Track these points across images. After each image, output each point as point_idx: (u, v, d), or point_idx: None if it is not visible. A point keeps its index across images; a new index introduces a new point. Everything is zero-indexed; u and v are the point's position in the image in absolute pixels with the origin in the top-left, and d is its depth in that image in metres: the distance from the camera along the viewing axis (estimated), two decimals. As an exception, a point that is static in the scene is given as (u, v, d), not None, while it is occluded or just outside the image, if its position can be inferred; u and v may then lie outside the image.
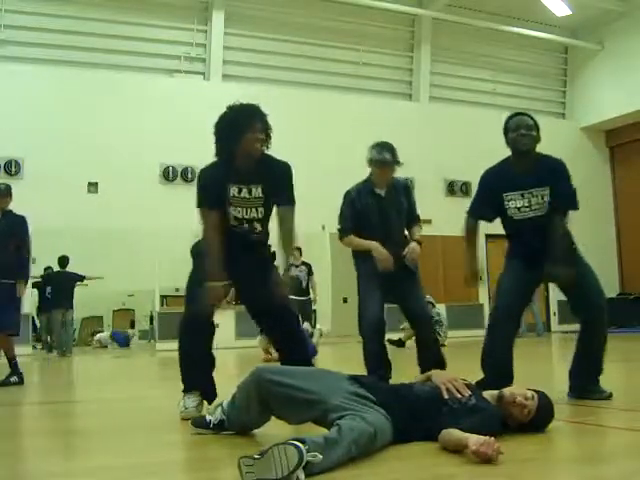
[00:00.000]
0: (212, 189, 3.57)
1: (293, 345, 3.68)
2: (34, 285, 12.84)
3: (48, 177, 12.04)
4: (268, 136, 3.61)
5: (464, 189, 15.39)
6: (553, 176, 3.68)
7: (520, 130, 3.67)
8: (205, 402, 3.64)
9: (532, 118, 3.79)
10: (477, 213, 3.94)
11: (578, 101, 17.38)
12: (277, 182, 3.58)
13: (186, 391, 3.62)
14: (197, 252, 3.72)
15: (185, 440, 3.11)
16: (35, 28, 12.88)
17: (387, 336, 7.94)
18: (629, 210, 16.98)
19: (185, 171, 13.44)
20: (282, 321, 3.64)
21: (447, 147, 15.02)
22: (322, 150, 13.72)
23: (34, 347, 12.98)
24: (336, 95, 14.87)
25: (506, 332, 3.76)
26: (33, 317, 13.01)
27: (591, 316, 3.76)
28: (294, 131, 12.58)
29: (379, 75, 15.68)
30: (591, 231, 16.37)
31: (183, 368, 3.66)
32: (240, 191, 3.54)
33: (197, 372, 3.64)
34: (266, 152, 3.62)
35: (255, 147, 3.53)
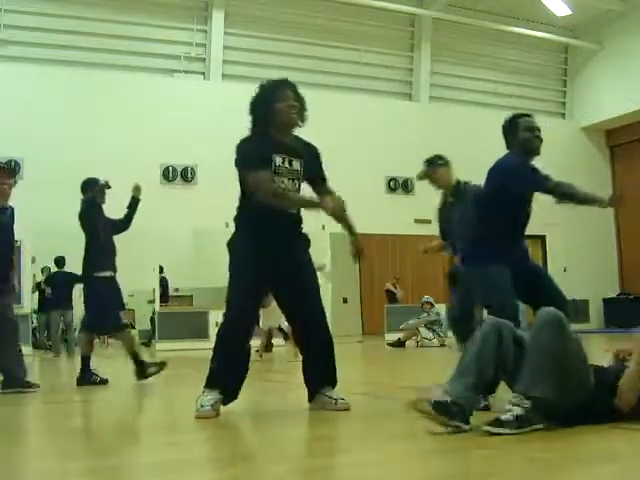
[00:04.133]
0: (256, 154, 3.52)
1: (321, 354, 3.66)
2: (36, 286, 12.85)
3: (48, 177, 12.04)
4: (302, 107, 3.63)
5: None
6: None
7: (535, 132, 3.68)
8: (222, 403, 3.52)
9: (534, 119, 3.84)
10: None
11: (578, 101, 17.39)
12: (312, 162, 3.66)
13: (206, 387, 3.52)
14: (232, 247, 3.66)
15: (186, 440, 3.11)
16: (35, 28, 12.89)
17: (386, 337, 7.98)
18: (629, 210, 16.95)
19: (185, 171, 13.44)
20: (316, 332, 3.64)
21: (447, 147, 14.98)
22: (322, 150, 13.72)
23: (34, 347, 12.97)
24: (336, 95, 14.87)
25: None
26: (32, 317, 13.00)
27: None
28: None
29: (379, 75, 15.68)
30: (591, 231, 16.41)
31: (213, 364, 3.56)
32: (284, 161, 3.55)
33: (225, 370, 3.54)
34: (298, 129, 3.67)
35: (290, 116, 3.55)
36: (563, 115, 17.44)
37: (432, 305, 11.45)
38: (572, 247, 15.91)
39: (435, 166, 4.77)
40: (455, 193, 4.69)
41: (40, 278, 12.61)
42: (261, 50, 14.50)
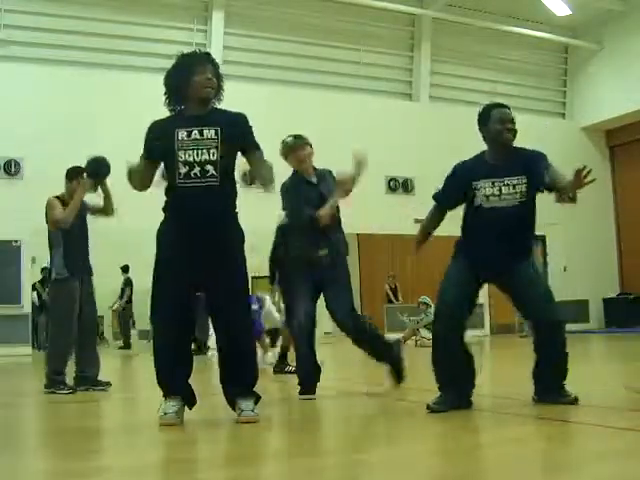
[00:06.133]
0: (156, 139, 3.47)
1: (239, 360, 3.42)
2: (34, 287, 12.85)
3: (48, 177, 11.98)
4: (220, 85, 3.51)
5: (464, 189, 15.40)
6: (530, 164, 3.53)
7: (507, 124, 3.57)
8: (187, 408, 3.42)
9: (511, 111, 3.68)
10: (446, 204, 3.87)
11: (578, 101, 17.37)
12: (235, 128, 3.44)
13: (164, 396, 3.37)
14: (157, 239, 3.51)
15: (186, 440, 3.11)
16: (35, 28, 12.87)
17: (386, 336, 7.95)
18: (629, 210, 16.97)
19: (185, 171, 13.43)
20: (232, 338, 3.40)
21: (447, 147, 14.99)
22: (322, 150, 13.66)
23: (34, 347, 12.98)
24: (336, 95, 14.86)
25: (452, 329, 3.55)
26: (33, 318, 13.01)
27: (541, 323, 3.53)
28: (294, 131, 12.53)
29: (379, 75, 15.67)
30: (591, 231, 16.41)
31: (157, 373, 3.39)
32: (190, 134, 3.37)
33: (170, 375, 3.37)
34: (218, 105, 3.54)
35: (205, 90, 3.43)
36: (563, 115, 17.42)
37: (429, 306, 11.45)
38: (572, 247, 15.90)
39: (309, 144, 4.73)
40: (319, 175, 4.72)
41: (40, 278, 12.60)
42: (261, 50, 14.49)
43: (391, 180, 15.22)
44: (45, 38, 12.97)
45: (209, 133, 3.37)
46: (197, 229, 3.34)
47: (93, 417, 4.12)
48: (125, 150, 14.18)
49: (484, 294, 15.01)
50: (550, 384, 3.51)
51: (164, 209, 3.49)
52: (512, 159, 3.58)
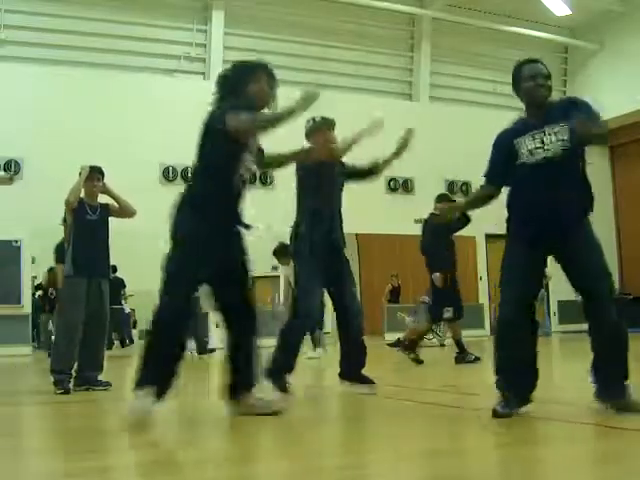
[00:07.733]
0: None
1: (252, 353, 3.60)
2: (37, 287, 12.83)
3: (48, 177, 12.02)
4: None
5: (464, 189, 15.39)
6: (570, 108, 3.25)
7: (537, 80, 3.32)
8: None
9: (545, 66, 3.41)
10: (496, 180, 3.46)
11: (578, 101, 17.37)
12: None
13: (140, 386, 3.36)
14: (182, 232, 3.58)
15: (186, 440, 3.11)
16: (35, 28, 12.88)
17: (386, 336, 8.01)
18: (629, 210, 16.97)
19: (185, 171, 13.41)
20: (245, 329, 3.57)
21: (447, 147, 15.01)
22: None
23: (35, 347, 12.98)
24: (336, 95, 14.85)
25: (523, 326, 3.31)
26: (34, 317, 13.00)
27: (592, 299, 3.36)
28: (294, 131, 12.53)
29: (379, 75, 15.68)
30: (591, 231, 16.41)
31: (149, 363, 3.39)
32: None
33: (163, 371, 3.39)
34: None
35: (267, 100, 3.72)
36: (563, 115, 17.43)
37: (429, 305, 11.44)
38: (572, 247, 15.90)
39: None
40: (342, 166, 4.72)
41: (41, 278, 12.58)
42: (261, 50, 14.47)
43: (391, 180, 15.22)
44: (45, 38, 12.98)
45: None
46: (219, 239, 3.75)
47: (93, 417, 4.12)
48: (125, 150, 14.05)
49: (485, 294, 15.02)
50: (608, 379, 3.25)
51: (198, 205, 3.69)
52: (550, 111, 3.32)
